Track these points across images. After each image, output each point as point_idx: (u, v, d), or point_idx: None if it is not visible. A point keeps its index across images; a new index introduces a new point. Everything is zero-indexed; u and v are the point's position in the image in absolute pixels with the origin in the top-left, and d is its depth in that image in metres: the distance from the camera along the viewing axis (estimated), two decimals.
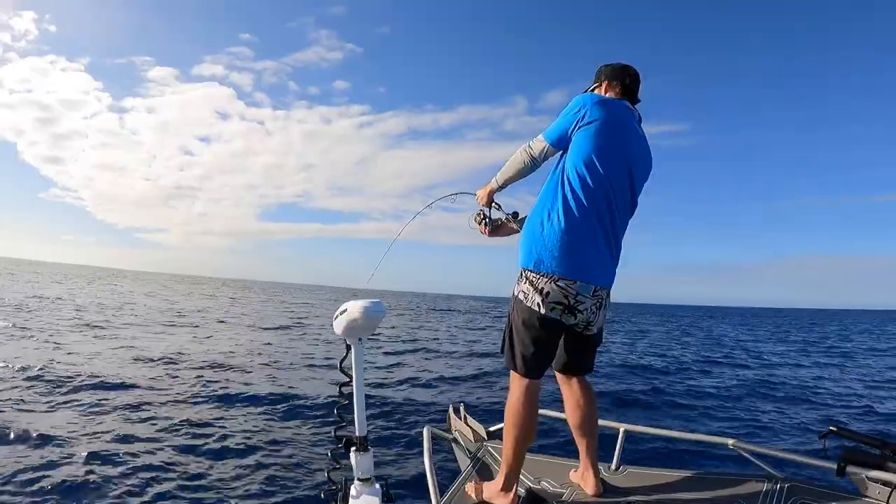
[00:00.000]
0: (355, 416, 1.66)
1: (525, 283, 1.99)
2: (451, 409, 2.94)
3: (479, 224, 2.41)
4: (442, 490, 2.12)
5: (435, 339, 17.80)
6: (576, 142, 1.98)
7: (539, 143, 2.07)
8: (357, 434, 1.65)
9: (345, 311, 1.62)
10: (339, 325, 1.64)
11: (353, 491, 1.62)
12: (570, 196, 1.95)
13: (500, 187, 2.25)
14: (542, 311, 1.93)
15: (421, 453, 2.29)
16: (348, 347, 1.67)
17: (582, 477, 2.23)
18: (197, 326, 17.18)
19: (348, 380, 1.67)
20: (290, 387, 7.97)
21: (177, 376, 8.42)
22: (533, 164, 2.10)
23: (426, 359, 12.51)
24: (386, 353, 12.75)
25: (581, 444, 2.22)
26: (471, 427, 2.73)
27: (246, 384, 8.03)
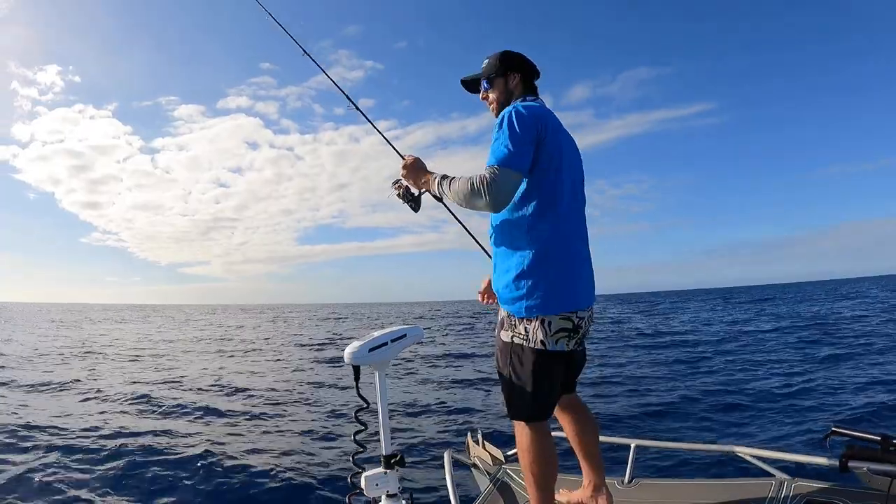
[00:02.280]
0: (381, 437, 1.71)
1: (520, 326, 1.85)
2: (468, 436, 3.04)
3: (405, 201, 2.16)
4: None
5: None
6: (539, 162, 1.83)
7: (503, 174, 1.76)
8: (384, 452, 1.71)
9: (383, 344, 1.65)
10: (368, 355, 1.63)
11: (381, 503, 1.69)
12: (550, 224, 1.84)
13: (433, 195, 2.04)
14: (548, 346, 1.83)
15: (442, 474, 2.37)
16: (356, 370, 1.66)
17: (592, 495, 2.18)
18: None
19: (366, 404, 1.68)
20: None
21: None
22: (495, 203, 1.80)
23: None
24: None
25: (590, 463, 2.17)
26: (489, 452, 2.83)
27: None
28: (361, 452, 1.70)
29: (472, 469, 2.87)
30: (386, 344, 1.65)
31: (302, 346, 19.31)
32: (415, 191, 2.11)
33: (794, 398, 7.32)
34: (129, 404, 8.19)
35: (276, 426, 7.03)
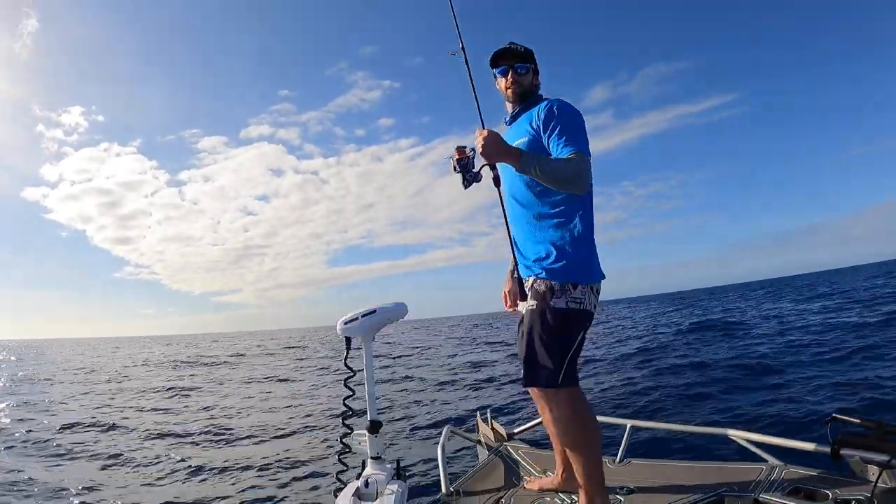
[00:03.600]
0: (368, 403, 1.87)
1: (576, 291, 1.93)
2: (478, 415, 3.22)
3: (461, 171, 2.00)
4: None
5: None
6: None
7: (588, 161, 1.92)
8: (369, 418, 1.87)
9: (374, 311, 1.85)
10: (358, 323, 1.84)
11: (367, 468, 1.84)
12: (586, 204, 2.02)
13: (524, 171, 1.92)
14: (594, 311, 1.99)
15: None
16: (348, 341, 1.87)
17: (562, 481, 2.27)
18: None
19: (352, 373, 1.87)
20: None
21: None
22: (585, 186, 1.92)
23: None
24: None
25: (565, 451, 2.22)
26: (494, 429, 2.97)
27: None
28: (350, 416, 1.87)
29: (478, 445, 3.04)
30: (364, 317, 1.85)
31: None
32: (479, 164, 1.96)
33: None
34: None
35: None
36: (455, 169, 1.98)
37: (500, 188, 2.04)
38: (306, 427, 7.40)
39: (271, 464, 5.51)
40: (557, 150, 1.90)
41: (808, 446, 2.23)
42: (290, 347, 33.18)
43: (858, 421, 2.15)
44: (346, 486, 1.79)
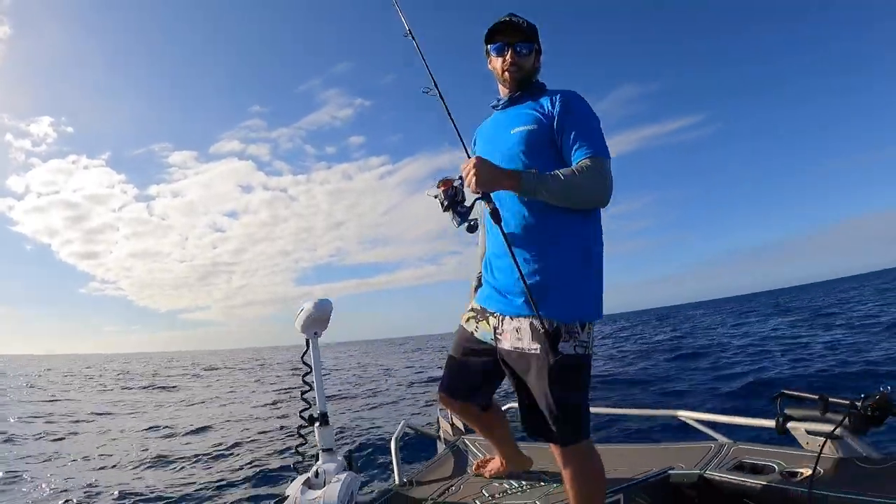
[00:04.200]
0: (316, 396, 1.89)
1: (583, 333, 1.63)
2: (438, 412, 3.24)
3: (446, 207, 1.74)
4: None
5: None
6: None
7: (609, 165, 1.64)
8: (319, 411, 1.89)
9: (302, 309, 1.91)
10: (298, 323, 1.92)
11: (320, 460, 1.85)
12: (599, 223, 1.74)
13: (529, 194, 1.61)
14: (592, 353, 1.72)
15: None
16: (307, 342, 1.93)
17: (514, 461, 2.29)
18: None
19: (310, 369, 1.91)
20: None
21: None
22: (610, 195, 1.63)
23: None
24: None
25: (510, 443, 2.27)
26: (453, 424, 2.99)
27: None
28: (308, 408, 1.91)
29: (437, 441, 3.06)
30: (298, 314, 1.92)
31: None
32: (469, 196, 1.69)
33: None
34: None
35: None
36: (443, 206, 1.70)
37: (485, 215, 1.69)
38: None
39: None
40: (573, 152, 1.63)
41: (755, 422, 2.29)
42: (240, 368, 32.54)
43: (803, 395, 2.21)
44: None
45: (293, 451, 1.99)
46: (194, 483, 5.03)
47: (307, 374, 1.92)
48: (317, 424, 1.88)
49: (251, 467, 5.53)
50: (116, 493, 4.80)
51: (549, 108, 1.71)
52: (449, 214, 1.70)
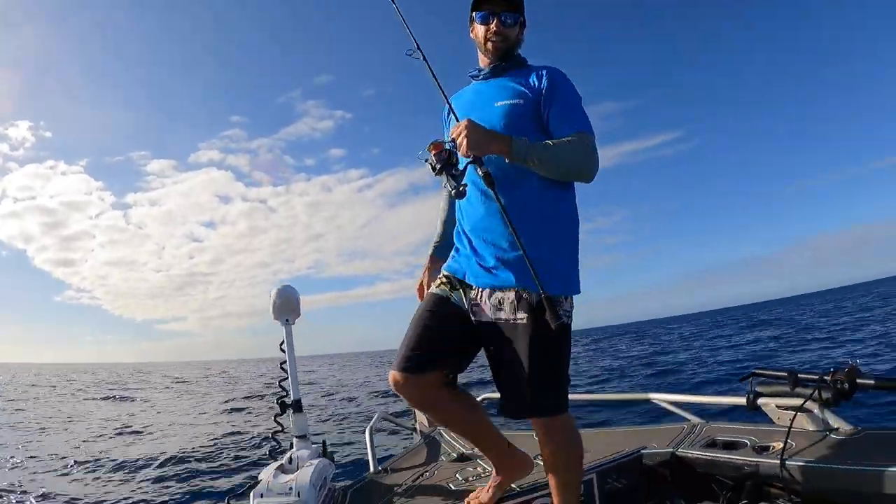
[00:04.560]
0: (290, 383, 1.89)
1: (566, 303, 1.62)
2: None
3: (438, 170, 1.60)
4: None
5: None
6: None
7: (594, 141, 1.64)
8: (292, 398, 1.87)
9: (270, 297, 1.95)
10: (272, 311, 1.95)
11: (294, 447, 1.85)
12: (573, 196, 1.75)
13: (518, 160, 1.57)
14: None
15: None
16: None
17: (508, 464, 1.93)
18: None
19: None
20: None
21: None
22: (596, 170, 1.64)
23: None
24: None
25: (501, 444, 1.90)
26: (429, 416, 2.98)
27: None
28: (285, 395, 1.92)
29: (414, 433, 3.05)
30: (272, 302, 1.96)
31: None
32: (462, 159, 1.60)
33: None
34: None
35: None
36: (434, 169, 1.58)
37: (464, 183, 1.58)
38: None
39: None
40: (559, 126, 1.62)
41: (726, 400, 2.33)
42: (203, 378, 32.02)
43: (772, 372, 2.25)
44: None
45: (266, 439, 1.98)
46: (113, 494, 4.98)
47: (284, 362, 1.93)
48: (291, 411, 1.88)
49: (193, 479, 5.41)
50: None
51: (536, 82, 1.69)
52: (442, 178, 1.60)
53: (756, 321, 31.94)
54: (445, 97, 1.76)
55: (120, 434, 8.76)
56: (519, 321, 1.58)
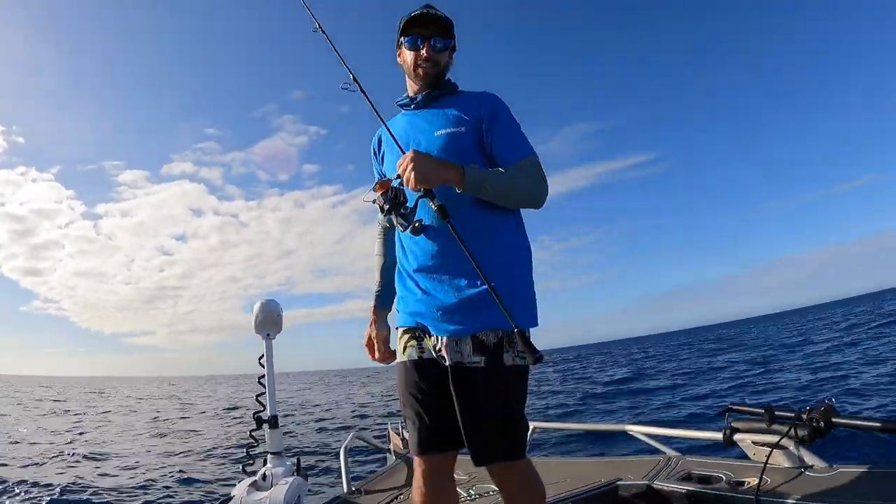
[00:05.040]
0: (267, 399, 1.85)
1: (519, 342, 1.40)
2: (389, 426, 3.23)
3: (387, 210, 1.49)
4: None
5: None
6: None
7: (541, 165, 1.61)
8: (269, 413, 1.84)
9: (252, 311, 1.91)
10: (253, 325, 1.91)
11: (268, 463, 1.80)
12: (522, 222, 1.68)
13: (472, 189, 1.47)
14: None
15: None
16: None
17: None
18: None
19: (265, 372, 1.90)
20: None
21: None
22: (546, 194, 1.60)
23: None
24: None
25: None
26: (403, 437, 2.96)
27: None
28: (262, 410, 1.88)
29: (388, 454, 3.04)
30: (255, 316, 1.93)
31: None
32: (411, 195, 1.49)
33: None
34: None
35: None
36: (383, 210, 1.48)
37: (416, 219, 1.49)
38: None
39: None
40: (505, 153, 1.57)
41: (703, 434, 2.34)
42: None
43: (749, 409, 2.27)
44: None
45: (243, 454, 1.93)
46: None
47: (262, 376, 1.89)
48: (266, 427, 1.83)
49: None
50: None
51: (475, 109, 1.63)
52: (392, 219, 1.50)
53: (731, 342, 32.29)
54: (389, 130, 1.64)
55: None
56: (474, 364, 1.49)
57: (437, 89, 1.69)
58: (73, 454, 8.08)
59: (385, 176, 1.66)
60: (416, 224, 1.46)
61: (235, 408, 18.75)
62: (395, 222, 1.50)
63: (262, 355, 1.91)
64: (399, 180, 1.46)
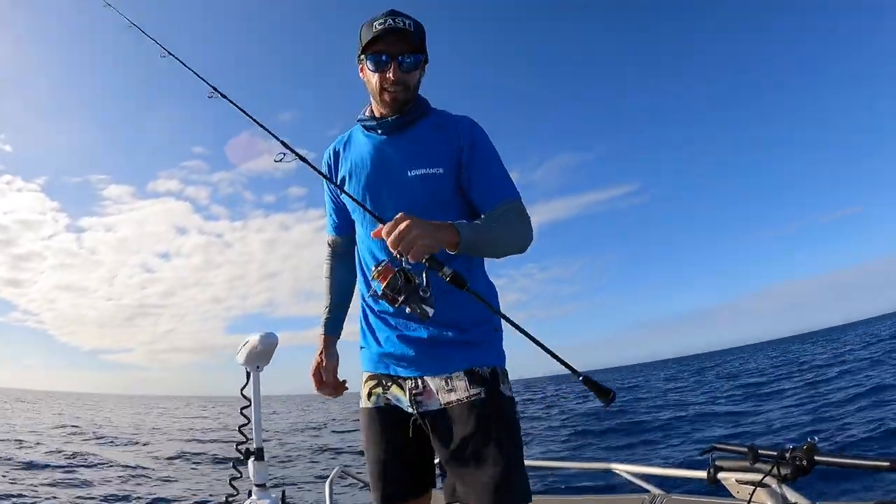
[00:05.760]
0: (253, 431, 1.85)
1: (507, 377, 1.47)
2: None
3: (404, 300, 1.19)
4: None
5: None
6: None
7: (523, 207, 1.49)
8: (255, 446, 1.84)
9: (247, 342, 1.89)
10: (241, 355, 1.89)
11: (252, 496, 1.79)
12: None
13: (468, 250, 1.30)
14: None
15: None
16: (248, 375, 1.90)
17: None
18: None
19: (248, 403, 1.88)
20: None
21: None
22: (529, 243, 1.47)
23: None
24: None
25: None
26: None
27: None
28: (244, 442, 1.87)
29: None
30: (243, 346, 1.90)
31: None
32: (419, 272, 1.21)
33: None
34: None
35: None
36: (398, 301, 1.18)
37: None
38: None
39: None
40: (485, 195, 1.43)
41: (687, 473, 2.34)
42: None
43: (734, 448, 2.29)
44: None
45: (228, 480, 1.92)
46: None
47: (245, 406, 1.89)
48: (252, 459, 1.82)
49: None
50: None
51: (455, 140, 1.45)
52: (412, 307, 1.19)
53: (716, 371, 32.50)
54: (324, 176, 1.55)
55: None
56: (475, 397, 1.39)
57: (407, 115, 1.47)
58: None
59: (339, 199, 1.60)
60: (432, 300, 1.20)
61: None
62: (416, 310, 1.19)
63: (245, 385, 1.90)
64: (393, 259, 1.18)
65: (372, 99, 1.50)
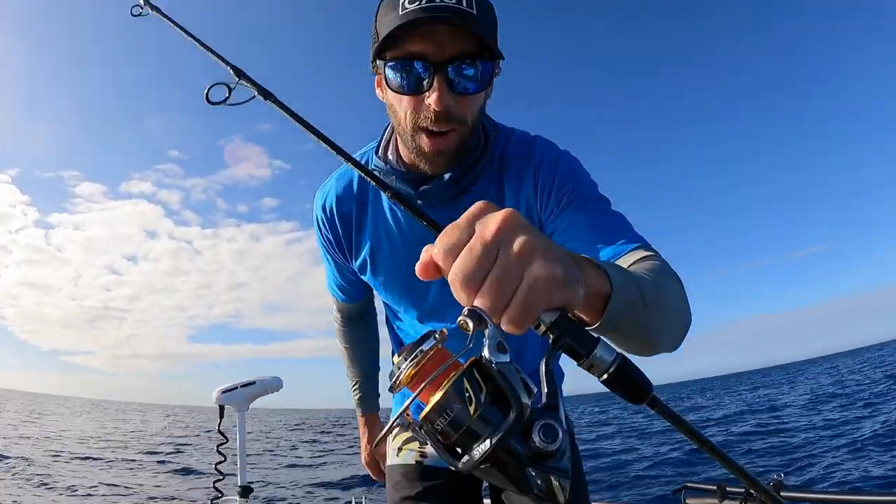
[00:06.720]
0: (239, 468, 1.87)
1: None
2: (353, 500, 3.20)
3: (443, 408, 0.45)
4: None
5: None
6: None
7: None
8: (240, 483, 1.88)
9: (254, 383, 1.91)
10: (241, 396, 1.89)
11: None
12: None
13: (616, 315, 0.58)
14: None
15: None
16: (221, 410, 1.90)
17: None
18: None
19: (225, 440, 1.90)
20: None
21: None
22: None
23: None
24: None
25: None
26: None
27: None
28: (221, 480, 1.88)
29: None
30: (243, 387, 1.92)
31: None
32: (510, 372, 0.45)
33: None
34: None
35: None
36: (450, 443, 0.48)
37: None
38: None
39: None
40: (602, 233, 0.87)
41: None
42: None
43: (704, 486, 2.37)
44: None
45: None
46: None
47: (222, 444, 1.90)
48: (238, 498, 1.84)
49: None
50: None
51: (530, 188, 0.96)
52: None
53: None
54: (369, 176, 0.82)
55: None
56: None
57: (463, 165, 0.93)
58: None
59: (348, 277, 1.15)
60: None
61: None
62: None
63: (220, 422, 1.91)
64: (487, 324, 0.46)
65: (399, 136, 0.94)
